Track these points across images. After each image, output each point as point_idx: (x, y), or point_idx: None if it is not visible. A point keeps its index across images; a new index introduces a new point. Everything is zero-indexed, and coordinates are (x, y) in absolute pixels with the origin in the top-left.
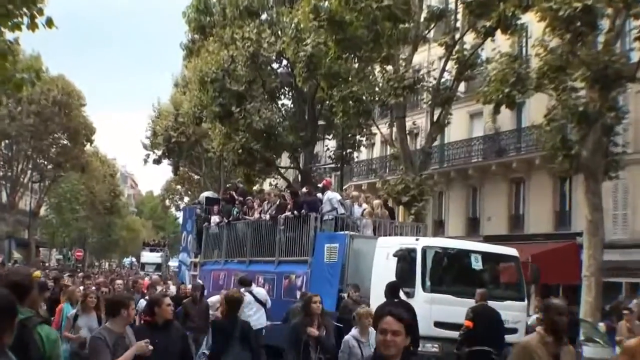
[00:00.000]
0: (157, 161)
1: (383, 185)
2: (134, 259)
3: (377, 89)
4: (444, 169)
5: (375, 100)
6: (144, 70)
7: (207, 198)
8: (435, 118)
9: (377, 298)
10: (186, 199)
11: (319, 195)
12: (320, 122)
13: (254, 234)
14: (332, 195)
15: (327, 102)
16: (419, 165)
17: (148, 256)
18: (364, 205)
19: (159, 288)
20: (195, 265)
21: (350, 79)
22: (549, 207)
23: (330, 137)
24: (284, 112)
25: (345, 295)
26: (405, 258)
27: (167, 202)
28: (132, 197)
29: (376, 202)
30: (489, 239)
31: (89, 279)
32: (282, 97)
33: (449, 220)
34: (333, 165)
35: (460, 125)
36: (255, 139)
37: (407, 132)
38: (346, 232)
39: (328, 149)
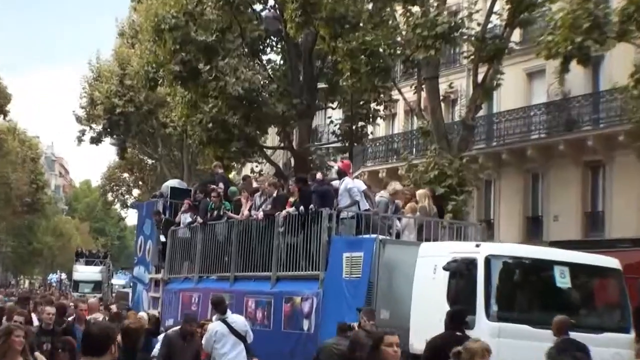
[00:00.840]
0: (96, 140)
1: (408, 171)
2: (63, 275)
3: (399, 38)
4: (493, 148)
5: (396, 55)
6: (78, 15)
7: (172, 189)
8: (480, 79)
9: (418, 328)
10: (136, 192)
11: (335, 183)
12: (321, 85)
13: (241, 240)
14: (353, 184)
15: (330, 57)
16: (458, 144)
17: (83, 271)
18: (397, 201)
19: (99, 316)
20: (157, 284)
21: (361, 24)
22: (639, 200)
23: (335, 105)
24: (270, 71)
25: (356, 325)
26: (460, 272)
27: (110, 196)
28: (61, 190)
29: (421, 192)
30: (556, 246)
31: (26, 303)
32: (268, 50)
33: (499, 219)
34: (339, 145)
35: (515, 89)
36: (232, 108)
37: (441, 97)
38: (374, 235)
39: (332, 121)
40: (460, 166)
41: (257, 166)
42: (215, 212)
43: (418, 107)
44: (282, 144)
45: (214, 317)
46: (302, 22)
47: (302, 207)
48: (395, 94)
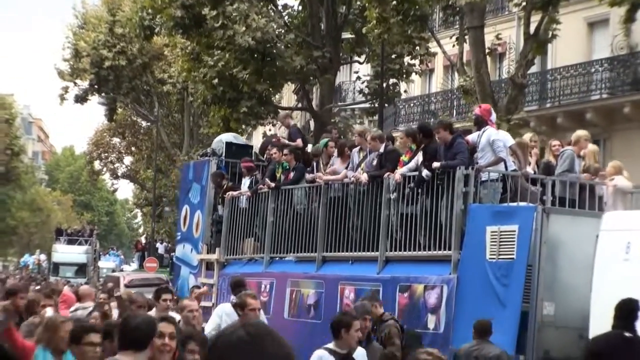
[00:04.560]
0: (81, 98)
1: None
2: (42, 256)
3: None
4: (547, 110)
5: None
6: None
7: (228, 145)
8: (532, 29)
9: (602, 329)
10: (128, 160)
11: (471, 137)
12: (346, 35)
13: (332, 210)
14: (497, 135)
15: (357, 1)
16: (505, 105)
17: (64, 251)
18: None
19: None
20: (209, 267)
21: None
22: None
23: (363, 59)
24: (286, 18)
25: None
26: None
27: (97, 164)
28: (39, 157)
29: (592, 148)
30: None
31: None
32: None
33: None
34: (367, 105)
35: (574, 41)
36: (241, 61)
37: (486, 51)
38: (531, 204)
39: (359, 78)
40: (508, 130)
41: (270, 129)
42: (292, 174)
43: (459, 62)
44: (299, 104)
45: (231, 299)
46: None
47: (424, 169)
48: (433, 47)
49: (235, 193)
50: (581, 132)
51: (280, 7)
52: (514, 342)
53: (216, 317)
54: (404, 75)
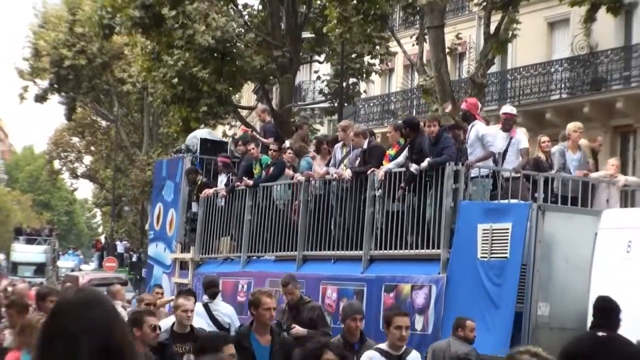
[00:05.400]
0: (41, 97)
1: None
2: (0, 256)
3: None
4: None
5: None
6: None
7: (203, 141)
8: (492, 29)
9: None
10: (88, 159)
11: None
12: (306, 35)
13: (314, 207)
14: (486, 130)
15: (317, 0)
16: None
17: (23, 251)
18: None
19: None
20: (184, 266)
21: None
22: None
23: (322, 58)
24: (246, 18)
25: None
26: None
27: (57, 163)
28: None
29: (585, 143)
30: None
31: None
32: None
33: None
34: (327, 105)
35: (534, 41)
36: (201, 61)
37: (446, 50)
38: (525, 201)
39: (319, 77)
40: None
41: (230, 129)
42: (272, 170)
43: (419, 62)
44: (259, 104)
45: (205, 299)
46: None
47: (413, 165)
48: (393, 46)
49: (210, 191)
50: (569, 125)
51: (240, 7)
52: (507, 343)
53: None
54: (364, 75)
